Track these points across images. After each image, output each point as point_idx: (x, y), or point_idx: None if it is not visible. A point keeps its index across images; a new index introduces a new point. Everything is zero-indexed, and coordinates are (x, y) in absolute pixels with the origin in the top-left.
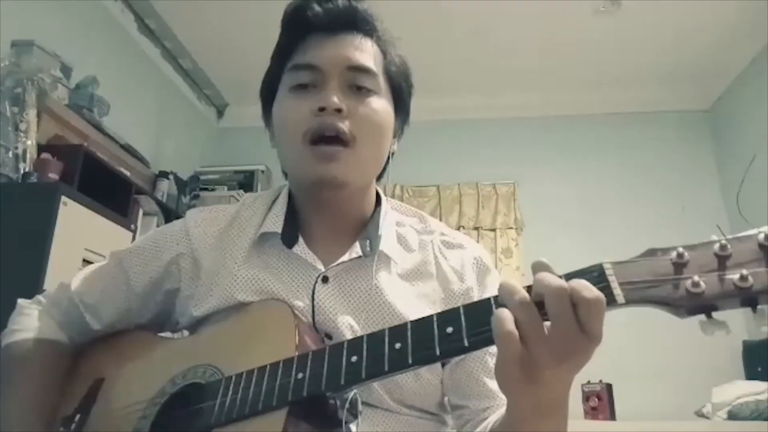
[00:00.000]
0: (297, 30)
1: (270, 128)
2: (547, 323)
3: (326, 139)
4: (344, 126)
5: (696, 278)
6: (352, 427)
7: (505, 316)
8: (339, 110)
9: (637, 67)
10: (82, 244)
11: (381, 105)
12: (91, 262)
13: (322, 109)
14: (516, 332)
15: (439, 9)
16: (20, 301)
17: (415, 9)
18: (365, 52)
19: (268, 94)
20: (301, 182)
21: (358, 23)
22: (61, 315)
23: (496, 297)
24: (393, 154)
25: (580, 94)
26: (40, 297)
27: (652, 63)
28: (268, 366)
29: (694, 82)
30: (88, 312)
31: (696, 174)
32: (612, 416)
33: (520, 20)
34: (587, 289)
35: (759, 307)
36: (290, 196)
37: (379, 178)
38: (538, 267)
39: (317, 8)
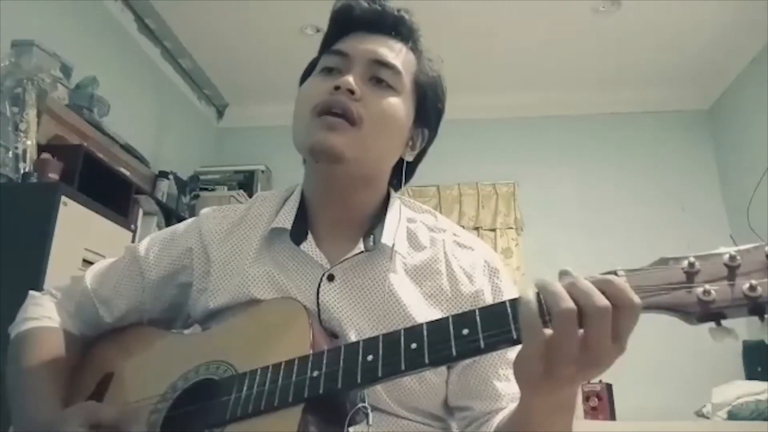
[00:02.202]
0: (342, 24)
1: None
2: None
3: (333, 114)
4: (353, 107)
5: (707, 286)
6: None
7: (536, 325)
8: (352, 91)
9: (637, 67)
10: (82, 244)
11: (397, 102)
12: (91, 262)
13: (337, 88)
14: (545, 336)
15: (439, 9)
16: (32, 292)
17: (415, 9)
18: (396, 53)
19: (304, 80)
20: (302, 153)
21: (400, 31)
22: (73, 307)
23: (512, 301)
24: (411, 166)
25: (580, 94)
26: (51, 289)
27: (652, 63)
28: (283, 363)
29: (694, 82)
30: (102, 304)
31: (696, 174)
32: (612, 416)
33: (520, 20)
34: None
35: (767, 316)
36: (303, 194)
37: (394, 186)
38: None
39: (365, 6)
